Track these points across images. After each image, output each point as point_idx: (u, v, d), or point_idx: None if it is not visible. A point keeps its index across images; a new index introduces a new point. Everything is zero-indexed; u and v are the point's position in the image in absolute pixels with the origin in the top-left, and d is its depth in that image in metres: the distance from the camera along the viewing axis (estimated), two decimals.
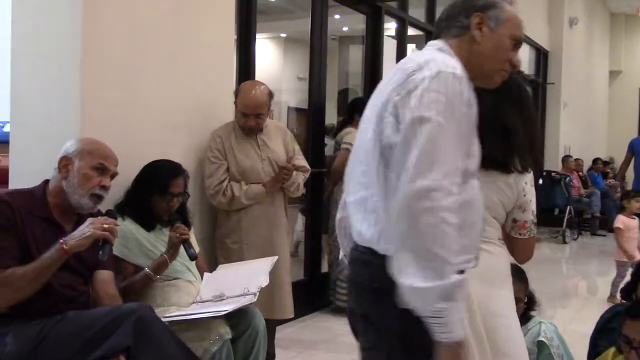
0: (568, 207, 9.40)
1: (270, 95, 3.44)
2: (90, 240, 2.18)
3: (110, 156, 2.40)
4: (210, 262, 3.39)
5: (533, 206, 2.00)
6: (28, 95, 2.93)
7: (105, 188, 2.35)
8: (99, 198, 2.35)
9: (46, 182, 2.37)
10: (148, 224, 2.81)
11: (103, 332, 2.09)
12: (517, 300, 2.59)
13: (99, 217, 2.25)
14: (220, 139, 3.39)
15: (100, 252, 2.25)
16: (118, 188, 2.73)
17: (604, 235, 10.18)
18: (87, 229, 2.17)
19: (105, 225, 2.20)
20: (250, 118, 3.36)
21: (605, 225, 10.48)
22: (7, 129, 3.43)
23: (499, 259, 1.95)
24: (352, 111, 4.96)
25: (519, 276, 2.69)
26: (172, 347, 2.19)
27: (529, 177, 1.95)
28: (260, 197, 3.41)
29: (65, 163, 2.31)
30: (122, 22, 2.98)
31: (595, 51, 13.72)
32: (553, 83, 11.10)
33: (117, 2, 2.95)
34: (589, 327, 2.80)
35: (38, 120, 2.90)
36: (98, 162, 2.33)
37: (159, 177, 2.81)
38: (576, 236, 9.80)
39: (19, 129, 2.96)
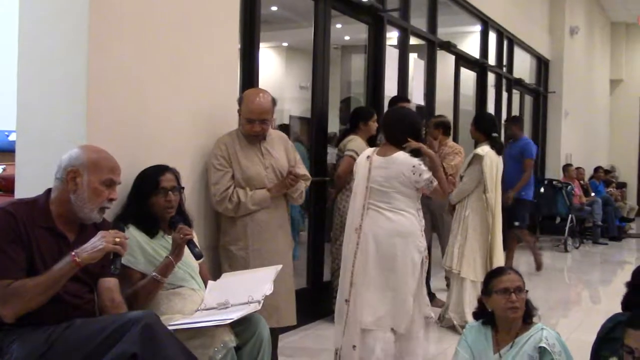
0: (570, 216, 9.40)
1: (274, 102, 3.48)
2: (102, 253, 2.21)
3: (116, 167, 2.42)
4: (214, 271, 3.40)
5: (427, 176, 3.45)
6: (34, 105, 2.96)
7: (112, 200, 2.39)
8: (105, 209, 2.38)
9: (49, 191, 2.38)
10: (151, 230, 2.84)
11: (110, 339, 2.11)
12: (520, 289, 2.77)
13: (110, 231, 2.28)
14: (225, 147, 3.42)
15: (112, 267, 2.29)
16: (122, 195, 2.76)
17: (606, 244, 10.18)
18: (99, 242, 2.20)
19: (117, 239, 2.23)
20: (255, 124, 3.38)
21: (606, 233, 10.48)
22: (12, 137, 3.45)
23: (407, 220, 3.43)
24: (355, 120, 4.98)
25: (515, 270, 2.94)
26: (178, 354, 2.20)
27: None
28: (266, 202, 3.44)
29: (73, 176, 2.31)
30: (128, 32, 3.01)
31: (596, 60, 13.77)
32: (554, 92, 11.13)
33: (123, 11, 2.98)
34: (592, 336, 2.80)
35: (44, 129, 2.92)
36: (107, 178, 2.35)
37: (148, 177, 2.87)
38: (578, 245, 9.79)
39: (25, 137, 2.99)
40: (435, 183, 3.50)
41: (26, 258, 2.20)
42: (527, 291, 2.82)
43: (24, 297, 2.13)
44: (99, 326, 2.17)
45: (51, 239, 2.28)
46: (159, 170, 2.90)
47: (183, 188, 2.95)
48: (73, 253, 2.18)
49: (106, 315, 2.33)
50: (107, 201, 2.36)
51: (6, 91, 3.22)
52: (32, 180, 2.87)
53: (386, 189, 3.46)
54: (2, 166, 3.63)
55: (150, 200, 2.84)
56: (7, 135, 3.71)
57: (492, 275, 2.90)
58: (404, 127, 3.57)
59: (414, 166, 3.45)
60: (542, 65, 11.07)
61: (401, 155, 3.49)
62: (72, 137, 2.82)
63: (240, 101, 3.49)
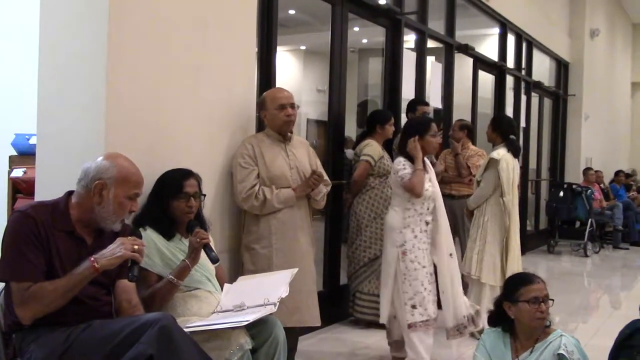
0: (589, 220, 9.29)
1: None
2: (121, 260, 2.26)
3: (142, 181, 2.47)
4: (236, 271, 3.45)
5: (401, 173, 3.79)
6: (54, 109, 3.00)
7: (132, 212, 2.46)
8: (124, 219, 2.44)
9: (69, 194, 2.41)
10: (168, 233, 2.86)
11: (127, 340, 2.13)
12: (547, 298, 2.75)
13: (128, 238, 2.32)
14: (251, 146, 3.50)
15: (130, 274, 2.33)
16: (141, 199, 2.78)
17: (627, 249, 10.05)
18: (118, 249, 2.24)
19: (136, 247, 2.27)
20: (287, 108, 3.52)
21: (627, 238, 10.35)
22: (33, 141, 3.50)
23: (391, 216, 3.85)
24: (371, 123, 4.98)
25: (540, 277, 2.89)
26: (194, 356, 2.21)
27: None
28: (291, 201, 3.50)
29: (100, 188, 2.34)
30: (145, 37, 3.04)
31: (617, 62, 13.61)
32: (574, 95, 11.03)
33: (141, 18, 3.01)
34: (611, 342, 2.77)
35: (63, 133, 2.96)
36: (134, 193, 2.40)
37: (172, 180, 2.89)
38: (598, 249, 9.68)
39: (45, 141, 3.03)
40: (406, 179, 3.76)
41: (45, 261, 2.23)
42: (552, 300, 2.78)
43: (43, 300, 2.17)
44: (117, 327, 2.19)
45: (70, 242, 2.31)
46: (183, 175, 2.91)
47: (204, 195, 2.97)
48: (92, 259, 2.21)
49: (123, 317, 2.36)
50: (128, 213, 2.43)
51: (26, 95, 3.27)
52: (52, 183, 2.91)
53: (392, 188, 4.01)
54: (23, 169, 3.68)
55: (172, 203, 2.86)
56: (28, 139, 3.76)
57: (520, 283, 2.81)
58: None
59: (396, 164, 3.87)
60: (562, 67, 10.97)
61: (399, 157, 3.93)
62: (91, 140, 2.86)
63: (262, 101, 3.60)
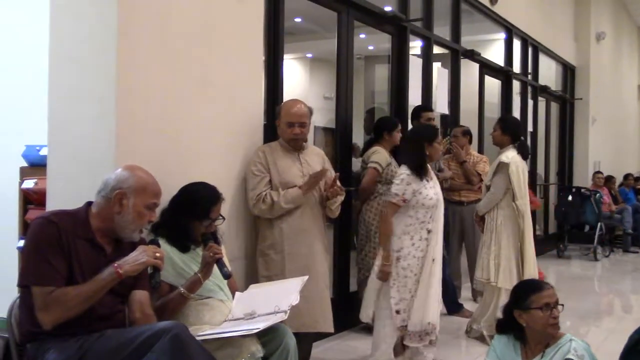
0: (599, 224, 9.26)
1: (310, 110, 3.68)
2: (144, 266, 2.31)
3: (160, 192, 2.51)
4: (251, 277, 3.49)
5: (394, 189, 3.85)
6: (64, 120, 3.03)
7: (151, 222, 2.51)
8: (142, 230, 2.48)
9: (88, 204, 2.45)
10: (183, 245, 2.87)
11: (140, 349, 2.15)
12: (557, 303, 2.74)
13: (149, 246, 2.39)
14: (264, 154, 3.56)
15: (152, 280, 2.41)
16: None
17: (637, 252, 10.00)
18: (140, 255, 2.29)
19: (158, 254, 2.32)
20: (295, 127, 3.55)
21: (637, 242, 10.30)
22: (43, 152, 3.52)
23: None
24: (378, 130, 4.98)
25: (548, 284, 2.87)
26: None
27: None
28: (298, 200, 3.52)
29: (120, 197, 2.39)
30: (154, 49, 3.06)
31: (624, 65, 13.58)
32: (581, 99, 11.00)
33: (149, 30, 3.04)
34: (622, 346, 2.76)
35: (74, 144, 2.99)
36: (152, 202, 2.45)
37: (200, 203, 2.88)
38: (608, 253, 9.63)
39: (56, 152, 3.05)
40: (385, 206, 3.92)
41: (66, 267, 2.26)
42: (562, 305, 2.77)
43: (65, 304, 2.19)
44: (130, 336, 2.20)
45: (90, 250, 2.35)
46: (212, 200, 2.90)
47: (224, 219, 2.99)
48: (115, 265, 2.25)
49: (137, 326, 2.37)
50: (147, 223, 2.47)
51: (37, 107, 3.30)
52: (63, 193, 2.93)
53: None
54: (34, 180, 3.70)
55: (193, 222, 2.86)
56: (38, 150, 3.78)
57: (531, 290, 2.79)
58: None
59: (397, 176, 3.92)
60: (568, 71, 10.95)
61: None
62: (101, 151, 2.88)
63: (279, 111, 3.65)
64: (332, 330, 3.69)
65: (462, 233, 5.91)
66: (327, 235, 3.79)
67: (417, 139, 3.93)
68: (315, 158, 3.73)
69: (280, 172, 3.53)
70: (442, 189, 5.59)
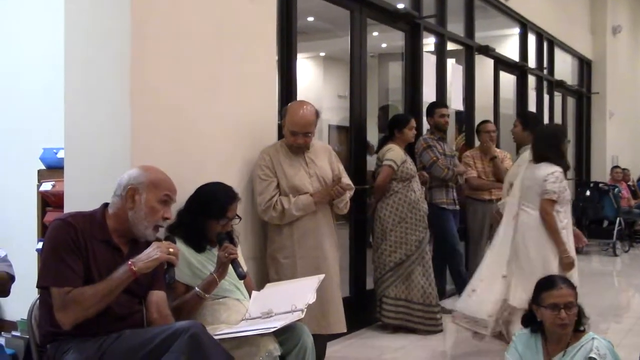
0: (618, 219, 9.15)
1: (317, 114, 3.56)
2: (157, 263, 2.30)
3: (174, 189, 2.50)
4: (261, 279, 3.46)
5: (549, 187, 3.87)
6: (81, 123, 3.05)
7: (167, 219, 2.48)
8: (159, 227, 2.47)
9: (105, 206, 2.47)
10: (199, 245, 2.88)
11: (158, 349, 2.16)
12: (572, 305, 2.66)
13: (164, 242, 2.38)
14: (269, 157, 3.50)
15: (167, 275, 2.39)
16: (174, 207, 2.81)
17: None
18: (154, 252, 2.28)
19: (172, 250, 2.31)
20: (299, 136, 3.47)
21: None
22: (61, 155, 3.56)
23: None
24: (392, 128, 4.97)
25: (568, 282, 2.84)
26: None
27: None
28: (309, 207, 3.49)
29: (132, 193, 2.40)
30: (167, 51, 3.08)
31: None
32: (598, 93, 10.89)
33: (162, 31, 3.05)
34: None
35: (90, 147, 3.01)
36: (164, 195, 2.44)
37: (217, 202, 2.88)
38: (627, 248, 9.53)
39: (73, 155, 3.08)
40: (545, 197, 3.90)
41: (84, 268, 2.28)
42: (578, 306, 2.75)
43: (83, 304, 2.21)
44: (148, 336, 2.22)
45: (107, 251, 2.36)
46: (229, 199, 2.90)
47: (240, 219, 2.99)
48: (130, 262, 2.26)
49: (155, 326, 2.38)
50: (162, 220, 2.45)
51: (54, 110, 3.33)
52: (80, 195, 2.96)
53: None
54: (52, 183, 3.74)
55: (209, 222, 2.86)
56: (56, 153, 3.82)
57: (544, 288, 2.79)
58: None
59: (544, 176, 3.93)
60: (585, 65, 10.84)
61: None
62: (117, 153, 2.90)
63: (284, 113, 3.57)
64: (345, 330, 3.67)
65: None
66: (336, 232, 3.73)
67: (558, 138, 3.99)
68: (322, 155, 3.66)
69: (288, 177, 3.48)
70: (457, 185, 5.59)
